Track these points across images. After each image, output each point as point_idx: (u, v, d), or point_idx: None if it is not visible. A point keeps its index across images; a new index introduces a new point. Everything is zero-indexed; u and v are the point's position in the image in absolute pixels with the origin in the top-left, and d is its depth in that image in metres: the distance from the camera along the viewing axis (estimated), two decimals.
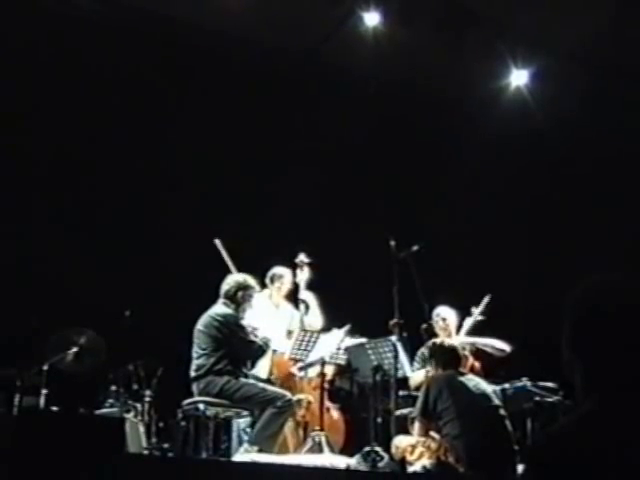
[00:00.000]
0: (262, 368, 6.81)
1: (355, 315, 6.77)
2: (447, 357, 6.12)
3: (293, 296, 7.30)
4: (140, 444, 6.58)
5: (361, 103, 9.07)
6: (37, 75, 8.08)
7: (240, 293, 6.40)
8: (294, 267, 7.24)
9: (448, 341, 6.62)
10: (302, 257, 7.23)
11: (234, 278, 6.52)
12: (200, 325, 6.31)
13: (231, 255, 7.06)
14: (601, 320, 1.65)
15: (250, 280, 6.51)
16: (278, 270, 7.24)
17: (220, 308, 6.37)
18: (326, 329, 6.73)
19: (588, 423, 1.60)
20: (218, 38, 8.68)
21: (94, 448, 4.49)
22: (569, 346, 1.69)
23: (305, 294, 7.19)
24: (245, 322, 6.41)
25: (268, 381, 6.69)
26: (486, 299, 7.31)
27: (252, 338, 6.33)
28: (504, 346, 7.05)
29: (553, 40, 8.67)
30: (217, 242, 7.06)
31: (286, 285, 7.22)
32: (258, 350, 6.36)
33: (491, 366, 7.04)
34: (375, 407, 6.45)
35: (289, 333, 7.04)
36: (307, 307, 7.14)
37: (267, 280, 7.18)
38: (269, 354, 6.75)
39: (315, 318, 7.16)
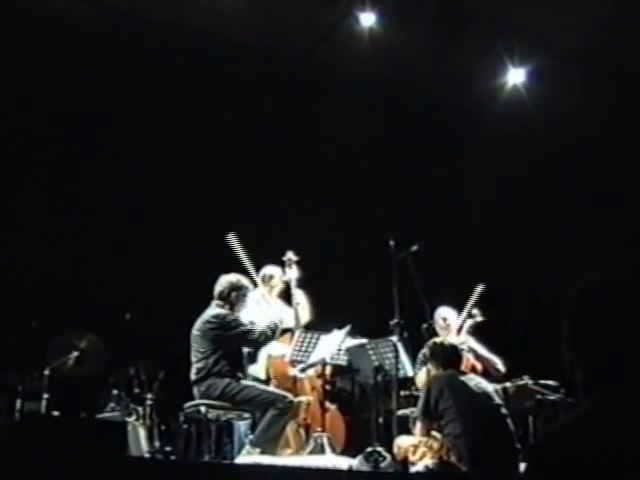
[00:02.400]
0: (261, 369, 6.80)
1: (355, 316, 6.75)
2: (448, 356, 6.12)
3: (284, 294, 7.26)
4: (140, 448, 6.57)
5: (358, 103, 9.07)
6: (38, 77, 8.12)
7: (234, 294, 6.37)
8: (282, 265, 7.21)
9: (448, 340, 6.62)
10: (290, 255, 7.15)
11: (227, 279, 6.45)
12: (196, 329, 6.28)
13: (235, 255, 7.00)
14: (600, 319, 1.65)
15: (243, 280, 6.47)
16: (269, 270, 7.14)
17: (213, 310, 6.33)
18: (327, 330, 6.72)
19: (589, 421, 1.60)
20: (214, 40, 8.69)
21: (96, 452, 4.50)
22: (569, 345, 1.69)
23: (297, 292, 7.15)
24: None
25: (267, 382, 6.68)
26: (479, 288, 7.27)
27: (250, 327, 6.28)
28: (500, 367, 7.01)
29: (550, 38, 8.66)
30: (230, 237, 6.89)
31: (278, 285, 7.18)
32: (260, 336, 6.25)
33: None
34: (377, 407, 6.43)
35: (283, 332, 7.00)
36: (298, 304, 7.10)
37: (259, 280, 7.11)
38: (264, 356, 6.74)
39: (305, 313, 7.14)
